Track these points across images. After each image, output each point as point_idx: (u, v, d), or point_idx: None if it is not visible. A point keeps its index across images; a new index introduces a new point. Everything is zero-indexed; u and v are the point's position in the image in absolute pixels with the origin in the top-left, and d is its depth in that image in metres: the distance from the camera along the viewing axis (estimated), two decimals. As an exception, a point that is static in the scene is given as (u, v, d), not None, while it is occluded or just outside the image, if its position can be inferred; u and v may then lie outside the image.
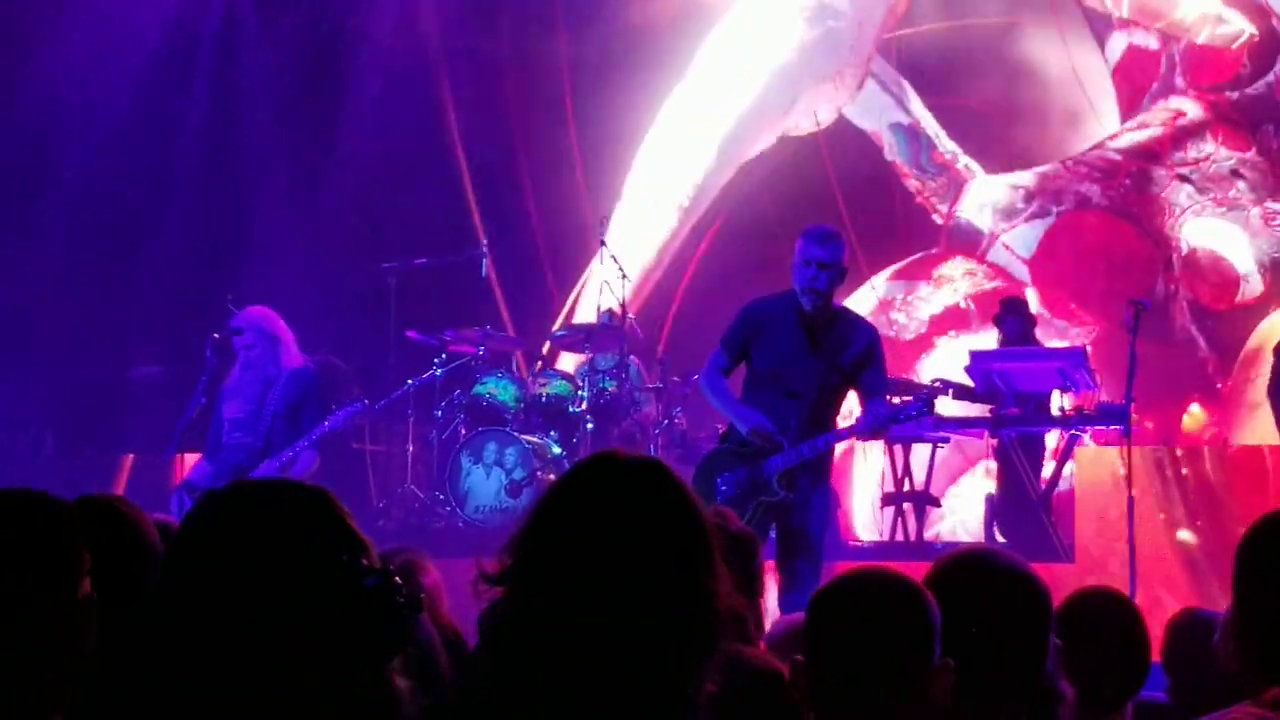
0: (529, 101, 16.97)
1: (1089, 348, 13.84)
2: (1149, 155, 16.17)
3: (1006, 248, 16.37)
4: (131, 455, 12.95)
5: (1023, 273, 16.34)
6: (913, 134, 16.97)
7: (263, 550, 2.32)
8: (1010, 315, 13.19)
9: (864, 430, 8.93)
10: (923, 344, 16.41)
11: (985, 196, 16.68)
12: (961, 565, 3.70)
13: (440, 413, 13.10)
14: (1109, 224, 16.17)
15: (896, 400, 10.16)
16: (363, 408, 10.16)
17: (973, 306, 16.27)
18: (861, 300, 15.56)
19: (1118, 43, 16.58)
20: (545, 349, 15.09)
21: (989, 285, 16.31)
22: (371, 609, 2.31)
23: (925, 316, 16.39)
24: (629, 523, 2.56)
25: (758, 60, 17.13)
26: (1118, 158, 16.32)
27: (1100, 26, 16.60)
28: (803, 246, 8.54)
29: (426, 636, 3.32)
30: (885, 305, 16.25)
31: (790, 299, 8.63)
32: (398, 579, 2.34)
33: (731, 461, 8.62)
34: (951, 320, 16.32)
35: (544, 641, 2.51)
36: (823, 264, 8.47)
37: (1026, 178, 16.50)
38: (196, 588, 2.32)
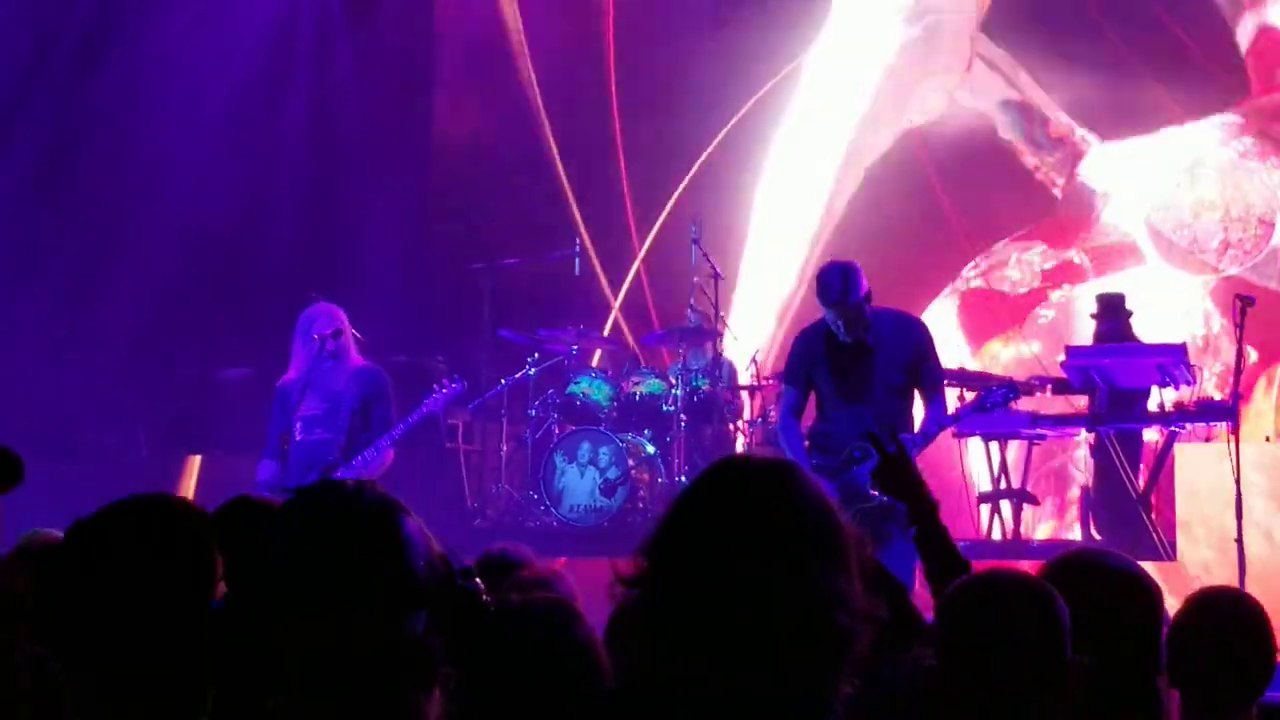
0: (625, 100, 16.94)
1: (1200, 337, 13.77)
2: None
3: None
4: (199, 455, 13.06)
5: (1141, 232, 16.24)
6: (1024, 110, 16.85)
7: (349, 553, 2.34)
8: (1108, 314, 13.06)
9: (935, 431, 9.01)
10: (1036, 297, 16.37)
11: (1104, 164, 16.58)
12: (1073, 566, 3.67)
13: (534, 412, 13.12)
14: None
15: (969, 394, 10.26)
16: (462, 388, 10.11)
17: (1087, 260, 16.22)
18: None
19: (1248, 24, 16.37)
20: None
21: (1104, 241, 16.28)
22: (461, 606, 2.33)
23: (1038, 270, 16.33)
24: (763, 525, 2.54)
25: (864, 70, 17.10)
26: (1239, 119, 16.23)
27: (1230, 9, 16.39)
28: (825, 305, 8.84)
29: (585, 638, 3.31)
30: (999, 265, 16.29)
31: (824, 327, 8.99)
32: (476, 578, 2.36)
33: (825, 474, 8.66)
34: (1065, 273, 16.26)
35: (680, 645, 2.50)
36: (838, 312, 8.78)
37: (1147, 142, 16.42)
38: (283, 581, 2.33)
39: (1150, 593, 3.72)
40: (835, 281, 8.79)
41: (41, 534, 5.55)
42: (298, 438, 9.88)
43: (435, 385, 9.92)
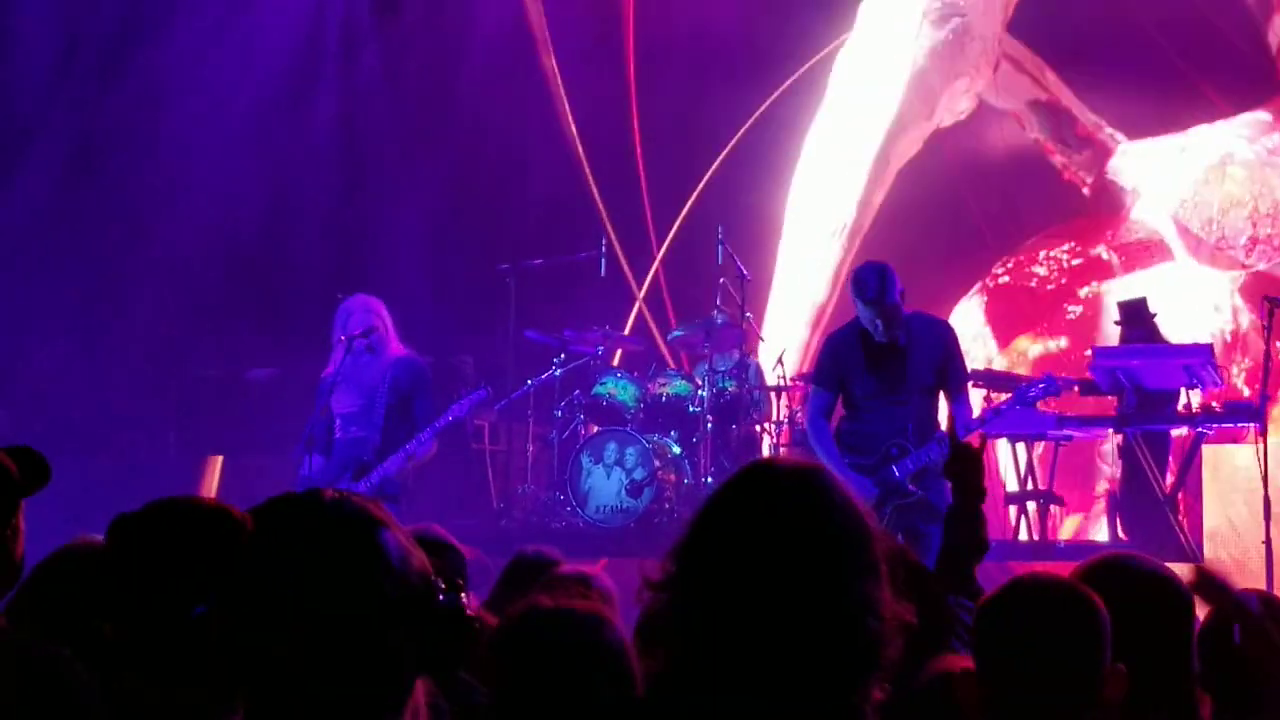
0: (650, 103, 16.93)
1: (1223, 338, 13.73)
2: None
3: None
4: (220, 456, 13.09)
5: (1169, 228, 16.22)
6: (1052, 110, 16.83)
7: (327, 565, 2.34)
8: (1132, 321, 13.03)
9: (972, 429, 9.04)
10: (1064, 293, 16.34)
11: (1132, 162, 16.57)
12: (1105, 569, 3.67)
13: (560, 413, 13.13)
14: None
15: (997, 395, 10.34)
16: (485, 394, 10.10)
17: (1115, 257, 16.21)
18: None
19: (1278, 24, 16.33)
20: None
21: (1132, 238, 16.27)
22: (444, 625, 2.33)
23: (1066, 267, 16.32)
24: (791, 530, 2.54)
25: (893, 73, 17.10)
26: (1268, 116, 16.19)
27: (1260, 9, 16.34)
28: (859, 306, 8.99)
29: (618, 641, 3.31)
30: (1027, 262, 16.30)
31: (856, 328, 9.16)
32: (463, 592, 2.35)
33: (850, 475, 8.77)
34: (1093, 270, 16.24)
35: (708, 652, 2.49)
36: (876, 310, 8.90)
37: (1176, 139, 16.39)
38: (261, 597, 2.33)
39: (1182, 596, 3.71)
40: (873, 280, 8.93)
41: (84, 539, 5.57)
42: (337, 435, 9.91)
43: (461, 391, 9.88)
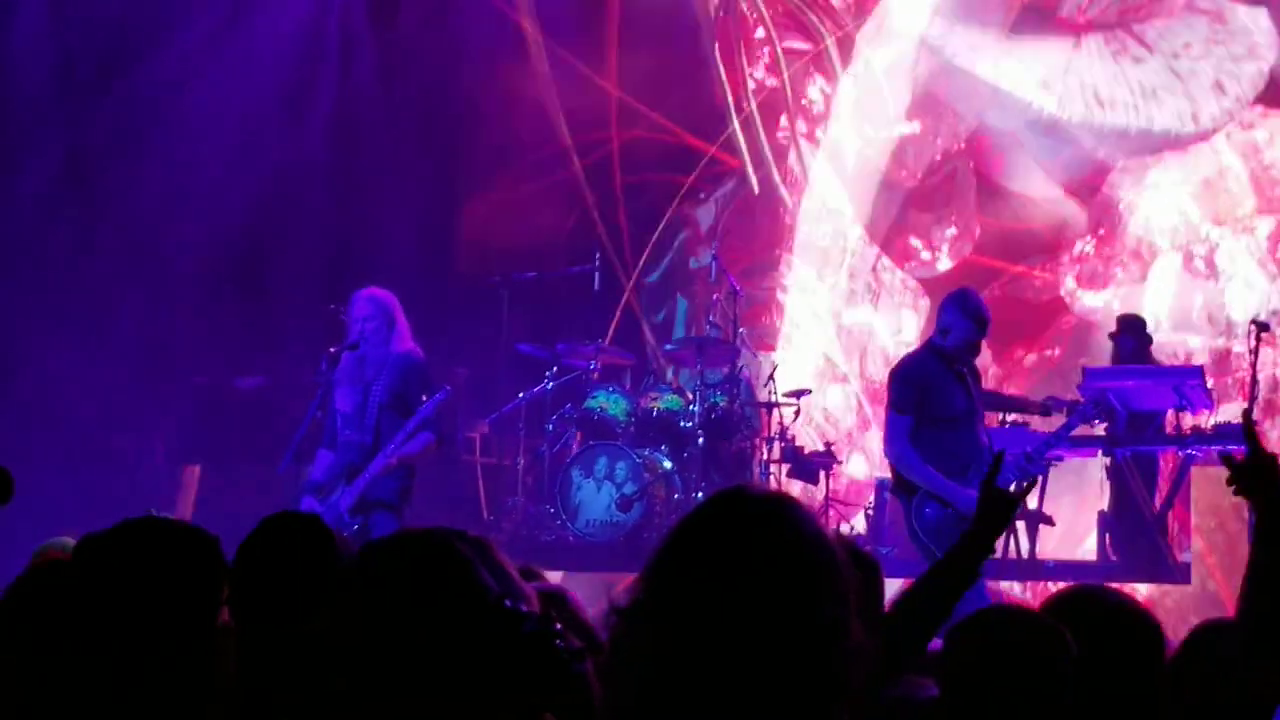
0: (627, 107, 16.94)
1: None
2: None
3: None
4: (198, 466, 13.11)
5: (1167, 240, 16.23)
6: (1051, 127, 16.83)
7: (426, 597, 2.36)
8: (1127, 333, 13.07)
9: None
10: (1057, 305, 16.34)
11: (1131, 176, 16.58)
12: (1075, 602, 3.69)
13: (551, 426, 13.15)
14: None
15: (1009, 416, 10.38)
16: (447, 394, 9.89)
17: (1114, 269, 16.21)
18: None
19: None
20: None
21: (1129, 250, 16.30)
22: (528, 654, 2.34)
23: (1062, 278, 16.33)
24: (762, 558, 2.54)
25: (896, 95, 17.07)
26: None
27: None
28: (970, 330, 9.01)
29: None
30: (1023, 274, 16.32)
31: (929, 352, 9.16)
32: (558, 625, 2.37)
33: (962, 494, 8.75)
34: (1087, 281, 16.23)
35: (674, 678, 2.50)
36: (982, 334, 9.10)
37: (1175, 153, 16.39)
38: (358, 634, 2.36)
39: (1151, 628, 3.73)
40: (984, 306, 9.13)
41: (54, 546, 5.57)
42: (340, 436, 9.81)
43: (424, 397, 9.72)
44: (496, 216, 15.71)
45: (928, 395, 8.97)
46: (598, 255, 14.06)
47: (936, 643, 4.11)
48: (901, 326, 15.89)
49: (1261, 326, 10.44)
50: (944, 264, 16.18)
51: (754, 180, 16.26)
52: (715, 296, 13.67)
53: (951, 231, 16.00)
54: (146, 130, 14.21)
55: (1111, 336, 13.27)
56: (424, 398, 9.54)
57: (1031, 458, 9.17)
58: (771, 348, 15.25)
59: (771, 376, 13.74)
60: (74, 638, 2.88)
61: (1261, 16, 15.53)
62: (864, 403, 15.45)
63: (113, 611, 2.83)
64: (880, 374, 15.64)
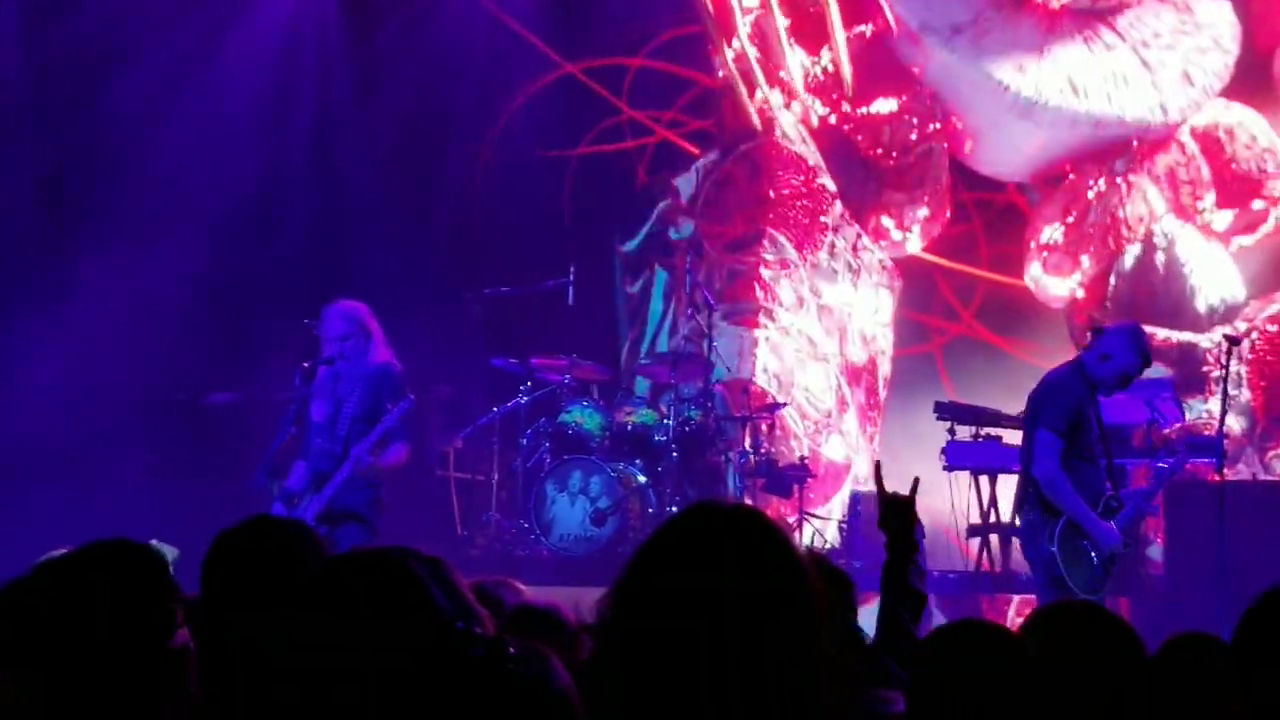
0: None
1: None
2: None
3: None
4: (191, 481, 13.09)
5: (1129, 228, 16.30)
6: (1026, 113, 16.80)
7: (377, 616, 2.36)
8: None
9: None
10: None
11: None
12: (1053, 618, 3.71)
13: (525, 440, 13.15)
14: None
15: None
16: (410, 404, 9.83)
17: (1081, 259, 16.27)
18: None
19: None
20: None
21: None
22: (477, 677, 2.34)
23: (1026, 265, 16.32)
24: (729, 576, 2.54)
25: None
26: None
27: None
28: (1134, 365, 9.03)
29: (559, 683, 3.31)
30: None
31: (1080, 376, 9.06)
32: (510, 649, 2.37)
33: (1101, 527, 8.85)
34: (1053, 268, 16.19)
35: (645, 697, 2.50)
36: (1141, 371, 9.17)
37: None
38: (310, 652, 2.36)
39: (1130, 642, 3.75)
40: (1152, 351, 9.26)
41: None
42: (312, 445, 9.74)
43: (389, 405, 9.66)
44: (473, 230, 15.70)
45: (1079, 423, 8.91)
46: (572, 269, 14.04)
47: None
48: (879, 307, 15.82)
49: (1232, 341, 10.45)
50: (914, 244, 16.17)
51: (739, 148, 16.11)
52: (689, 311, 13.68)
53: (924, 212, 15.97)
54: (123, 147, 14.18)
55: (1083, 347, 13.31)
56: (389, 406, 9.51)
57: (1150, 497, 9.25)
58: (754, 324, 15.12)
59: (746, 390, 13.75)
60: (25, 662, 2.87)
61: (1225, 9, 15.59)
62: (843, 384, 15.36)
63: (61, 635, 2.82)
64: (859, 355, 15.62)
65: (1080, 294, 15.49)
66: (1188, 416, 13.39)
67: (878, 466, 4.71)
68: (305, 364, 9.76)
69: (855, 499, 13.45)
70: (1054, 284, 15.66)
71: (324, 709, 2.35)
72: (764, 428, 13.41)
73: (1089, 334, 13.48)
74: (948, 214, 16.15)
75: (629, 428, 13.02)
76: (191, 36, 14.73)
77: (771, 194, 15.62)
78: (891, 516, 4.64)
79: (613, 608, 2.60)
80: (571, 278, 13.97)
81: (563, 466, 12.69)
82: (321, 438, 9.68)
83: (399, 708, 2.34)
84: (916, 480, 4.78)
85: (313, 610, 2.44)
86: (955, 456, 12.78)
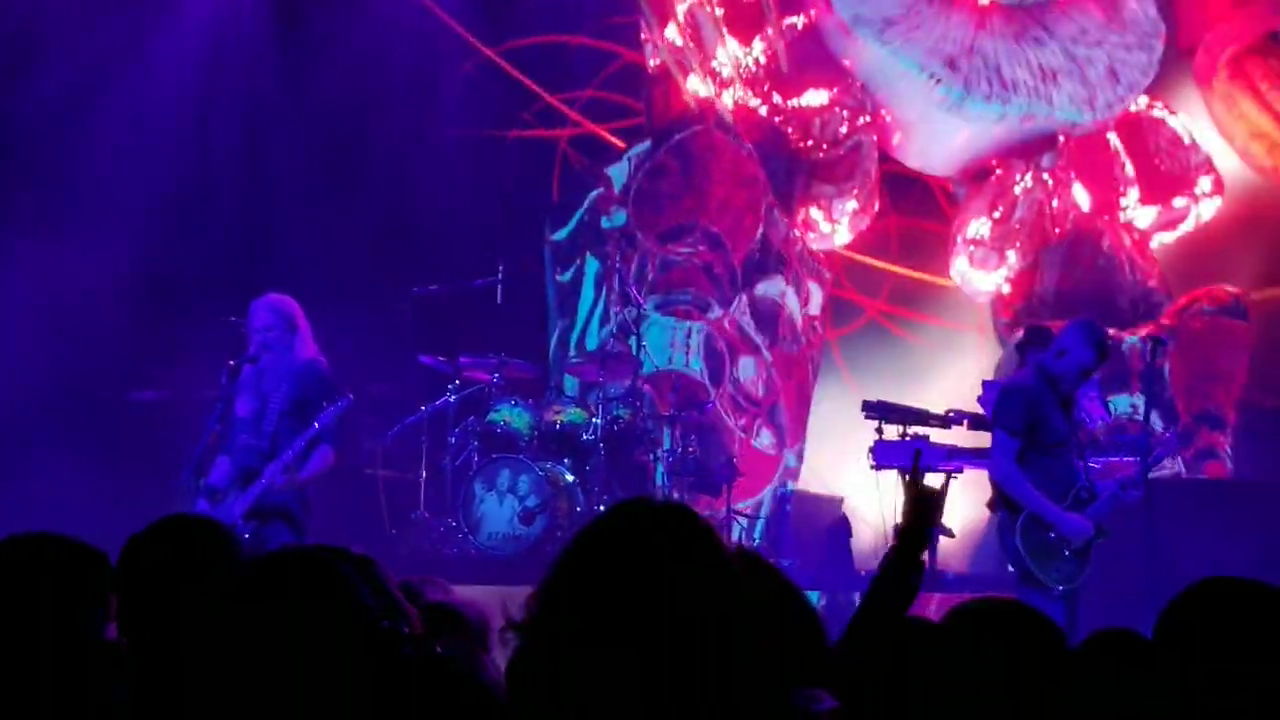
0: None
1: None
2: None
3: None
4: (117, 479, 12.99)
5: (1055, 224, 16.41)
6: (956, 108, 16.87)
7: (305, 616, 2.34)
8: (1034, 346, 13.17)
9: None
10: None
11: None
12: (975, 613, 3.72)
13: (454, 439, 13.11)
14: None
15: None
16: (348, 403, 9.79)
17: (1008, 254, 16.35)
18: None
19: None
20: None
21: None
22: (408, 677, 2.33)
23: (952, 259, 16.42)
24: (656, 573, 2.54)
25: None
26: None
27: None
28: (1088, 359, 9.20)
29: (493, 681, 3.31)
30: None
31: (1039, 375, 9.26)
32: (438, 649, 2.36)
33: (1068, 518, 9.03)
34: (980, 262, 16.23)
35: (572, 690, 2.50)
36: (1099, 366, 9.47)
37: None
38: (239, 652, 2.34)
39: (1054, 637, 3.77)
40: (1110, 343, 9.49)
41: None
42: (237, 440, 9.68)
43: (324, 403, 9.61)
44: (402, 226, 15.63)
45: (1037, 421, 9.10)
46: (501, 268, 14.00)
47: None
48: (810, 299, 15.83)
49: (1157, 343, 10.56)
50: (841, 237, 16.19)
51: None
52: (616, 309, 13.68)
53: (852, 205, 15.98)
54: (44, 143, 14.06)
55: (1018, 347, 13.39)
56: (324, 404, 9.46)
57: (1126, 485, 9.29)
58: (687, 315, 15.10)
59: (674, 388, 13.76)
60: None
61: (1150, 7, 15.70)
62: (773, 376, 15.36)
63: None
64: (790, 347, 15.60)
65: (1006, 289, 15.56)
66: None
67: (917, 454, 4.65)
68: (231, 362, 9.71)
69: (784, 497, 13.48)
70: (980, 278, 15.71)
71: (252, 710, 2.33)
72: (692, 425, 13.42)
73: (1024, 332, 13.67)
74: (876, 207, 16.17)
75: (557, 426, 13.00)
76: (116, 31, 14.61)
77: (705, 185, 15.59)
78: (919, 510, 4.55)
79: (540, 606, 2.59)
80: (500, 276, 13.93)
81: (491, 465, 12.67)
82: (247, 433, 9.62)
83: (328, 707, 2.33)
84: (949, 476, 4.74)
85: (240, 609, 2.42)
86: (883, 455, 12.81)
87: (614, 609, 2.51)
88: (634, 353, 13.51)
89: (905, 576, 4.34)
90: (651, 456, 13.19)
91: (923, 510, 4.48)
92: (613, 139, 16.57)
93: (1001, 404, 9.29)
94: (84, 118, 14.28)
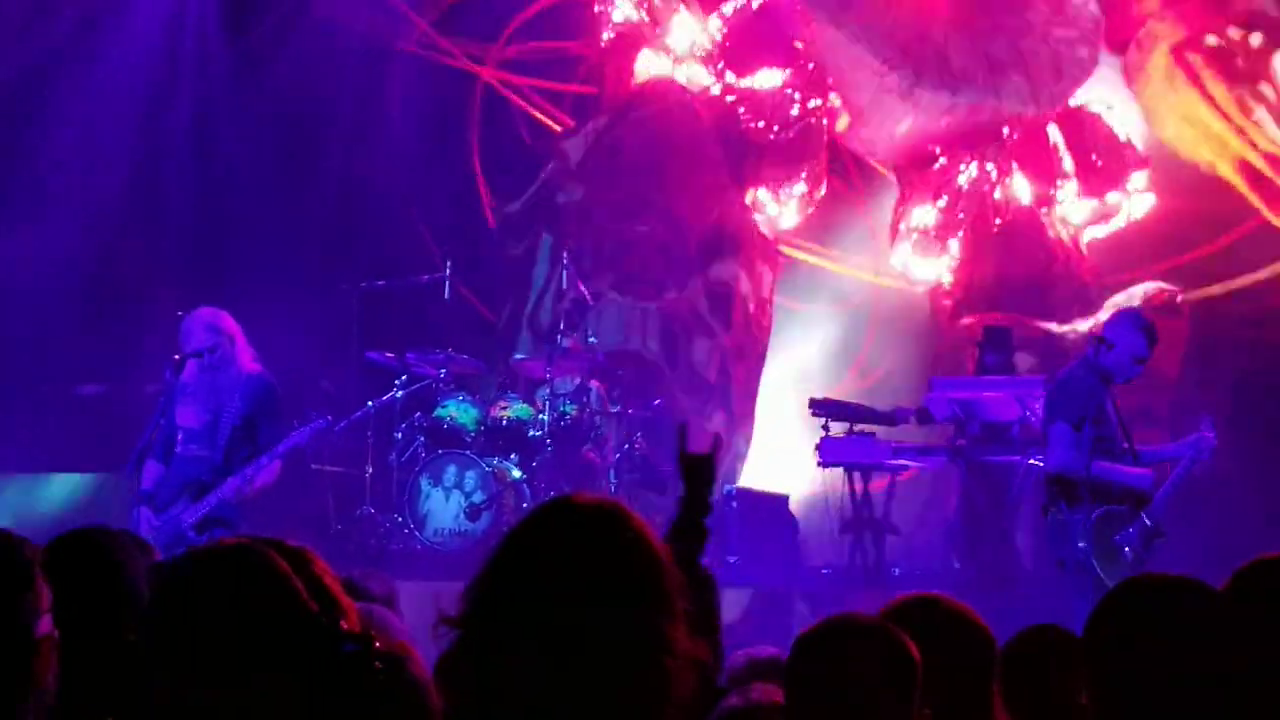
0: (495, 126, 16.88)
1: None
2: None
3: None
4: (60, 474, 12.94)
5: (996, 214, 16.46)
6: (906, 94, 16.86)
7: (241, 613, 2.34)
8: (991, 347, 13.27)
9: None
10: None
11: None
12: (910, 610, 3.74)
13: (400, 435, 13.08)
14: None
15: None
16: (326, 424, 9.89)
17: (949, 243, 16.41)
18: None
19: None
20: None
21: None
22: (348, 673, 2.33)
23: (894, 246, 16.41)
24: (586, 568, 2.55)
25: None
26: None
27: None
28: (1139, 346, 9.31)
29: (416, 681, 3.30)
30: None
31: (1093, 368, 9.35)
32: (376, 644, 2.35)
33: (1122, 519, 9.09)
34: (921, 250, 16.26)
35: (502, 687, 2.50)
36: (1148, 360, 9.42)
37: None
38: (177, 648, 2.33)
39: (986, 637, 3.80)
40: (1156, 332, 9.45)
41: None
42: (178, 449, 9.63)
43: (301, 417, 9.66)
44: (349, 223, 15.59)
45: (1093, 414, 9.16)
46: (448, 264, 13.96)
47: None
48: (761, 282, 15.83)
49: (1100, 340, 10.60)
50: (788, 219, 16.17)
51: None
52: (563, 305, 13.68)
53: (800, 188, 15.95)
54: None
55: (979, 346, 13.46)
56: (295, 423, 9.54)
57: (1176, 483, 9.33)
58: (642, 295, 15.07)
59: (621, 384, 13.75)
60: None
61: (1091, 2, 15.76)
62: (726, 359, 15.34)
63: None
64: (741, 331, 15.58)
65: (947, 278, 15.59)
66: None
67: (682, 427, 4.70)
68: (175, 356, 9.67)
69: (729, 495, 13.49)
70: (922, 266, 15.72)
71: (184, 705, 2.32)
72: (639, 422, 13.42)
73: (984, 333, 13.75)
74: (822, 190, 16.14)
75: (504, 422, 12.98)
76: (66, 28, 14.56)
77: (664, 163, 15.54)
78: (690, 473, 4.59)
79: (473, 600, 2.60)
80: (448, 272, 13.90)
81: (437, 461, 12.65)
82: (196, 443, 9.61)
83: (262, 702, 2.32)
84: (718, 437, 4.77)
85: (175, 604, 2.41)
86: (828, 452, 12.85)
87: (542, 606, 2.52)
88: (583, 349, 13.49)
89: (695, 531, 4.42)
90: (599, 453, 13.18)
91: (695, 476, 4.56)
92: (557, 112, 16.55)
93: (1059, 397, 9.41)
94: (33, 115, 14.22)
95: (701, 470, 4.41)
